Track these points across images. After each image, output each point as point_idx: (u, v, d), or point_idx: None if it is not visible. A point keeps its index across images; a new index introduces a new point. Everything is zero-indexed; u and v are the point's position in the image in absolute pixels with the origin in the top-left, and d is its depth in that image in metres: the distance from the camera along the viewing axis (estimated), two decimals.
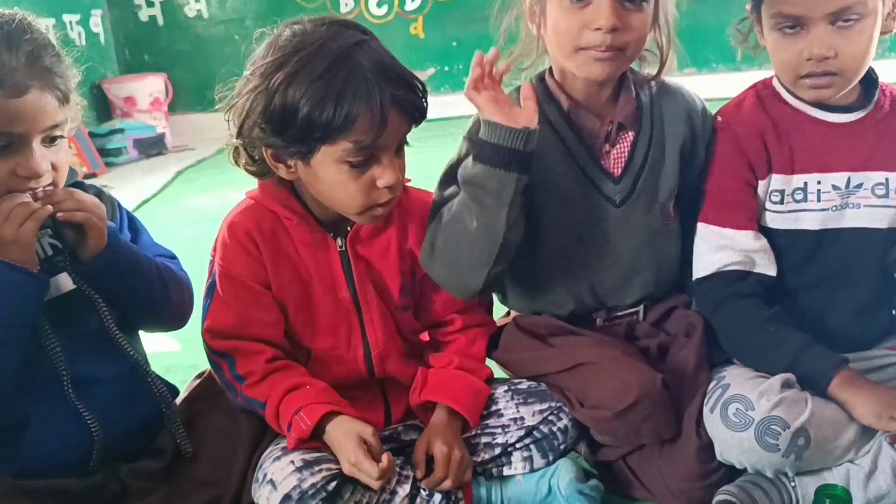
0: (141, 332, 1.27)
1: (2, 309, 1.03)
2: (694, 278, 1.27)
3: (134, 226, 1.27)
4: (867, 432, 1.14)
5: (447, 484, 1.14)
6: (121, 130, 3.96)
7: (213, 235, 1.22)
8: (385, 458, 1.08)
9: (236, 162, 1.18)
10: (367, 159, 1.09)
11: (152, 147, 4.07)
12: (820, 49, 1.14)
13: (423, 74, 4.97)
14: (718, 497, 1.13)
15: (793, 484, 1.15)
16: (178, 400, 1.27)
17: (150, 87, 4.26)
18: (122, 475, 1.16)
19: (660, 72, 1.27)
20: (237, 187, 1.26)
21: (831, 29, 1.13)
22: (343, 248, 1.20)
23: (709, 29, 3.29)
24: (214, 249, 1.22)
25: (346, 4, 4.53)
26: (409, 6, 4.46)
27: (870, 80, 1.24)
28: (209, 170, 3.74)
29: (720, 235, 1.24)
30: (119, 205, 1.26)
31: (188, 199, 3.23)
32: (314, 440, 1.12)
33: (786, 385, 1.14)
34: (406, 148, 1.16)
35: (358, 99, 1.04)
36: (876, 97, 1.23)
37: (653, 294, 1.32)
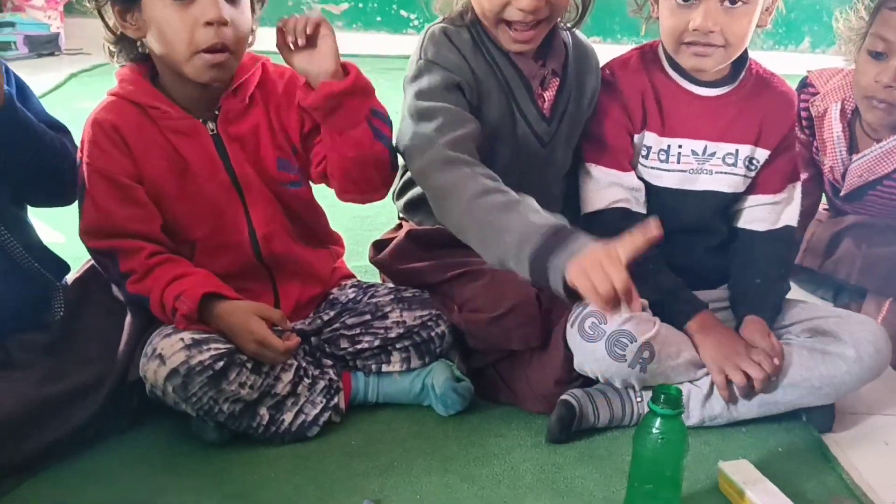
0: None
1: None
2: (583, 213, 1.39)
3: (23, 91, 1.24)
4: None
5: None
6: (11, 24, 3.75)
7: None
8: (292, 335, 1.17)
9: (110, 53, 1.23)
10: None
11: (45, 46, 3.87)
12: (706, 23, 1.26)
13: (337, 9, 4.92)
14: (562, 397, 1.26)
15: (639, 399, 1.30)
16: (70, 278, 1.29)
17: None
18: (8, 345, 1.18)
19: (580, 20, 1.35)
20: None
21: (720, 7, 1.26)
22: (214, 132, 1.23)
23: (615, 0, 3.41)
24: (81, 150, 1.21)
25: None
26: None
27: (740, 59, 1.37)
28: (105, 76, 3.54)
29: (609, 175, 1.37)
30: (7, 68, 1.22)
31: (80, 102, 3.08)
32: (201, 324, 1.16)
33: None
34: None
35: None
36: (742, 76, 1.38)
37: None
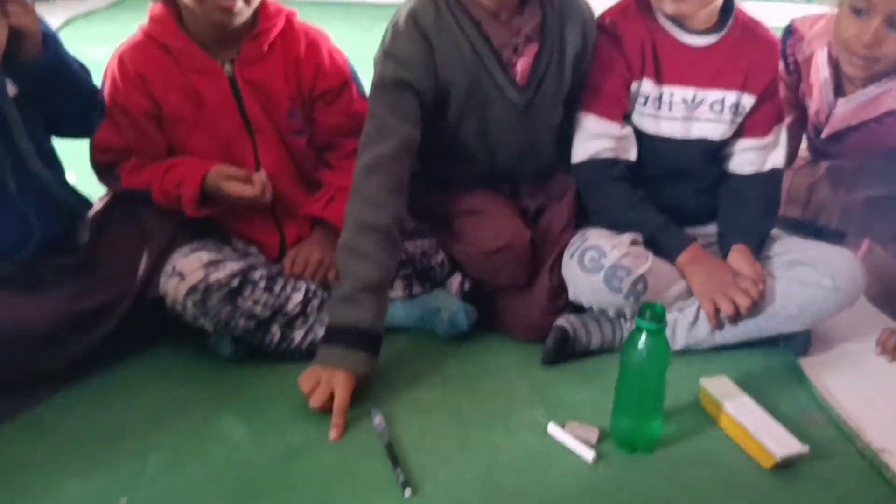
0: None
1: None
2: (572, 162, 1.45)
3: (51, 33, 1.27)
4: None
5: (307, 274, 1.32)
6: None
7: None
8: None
9: None
10: None
11: None
12: None
13: None
14: (557, 322, 1.34)
15: (628, 325, 1.38)
16: (93, 209, 1.36)
17: None
18: (38, 267, 1.24)
19: None
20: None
21: None
22: (231, 74, 1.31)
23: None
24: (105, 76, 1.32)
25: None
26: None
27: (726, 8, 1.42)
28: (100, 21, 3.61)
29: (598, 124, 1.42)
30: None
31: (77, 47, 3.11)
32: (208, 204, 1.28)
33: (633, 243, 1.36)
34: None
35: None
36: (729, 25, 1.42)
37: (539, 171, 1.50)
